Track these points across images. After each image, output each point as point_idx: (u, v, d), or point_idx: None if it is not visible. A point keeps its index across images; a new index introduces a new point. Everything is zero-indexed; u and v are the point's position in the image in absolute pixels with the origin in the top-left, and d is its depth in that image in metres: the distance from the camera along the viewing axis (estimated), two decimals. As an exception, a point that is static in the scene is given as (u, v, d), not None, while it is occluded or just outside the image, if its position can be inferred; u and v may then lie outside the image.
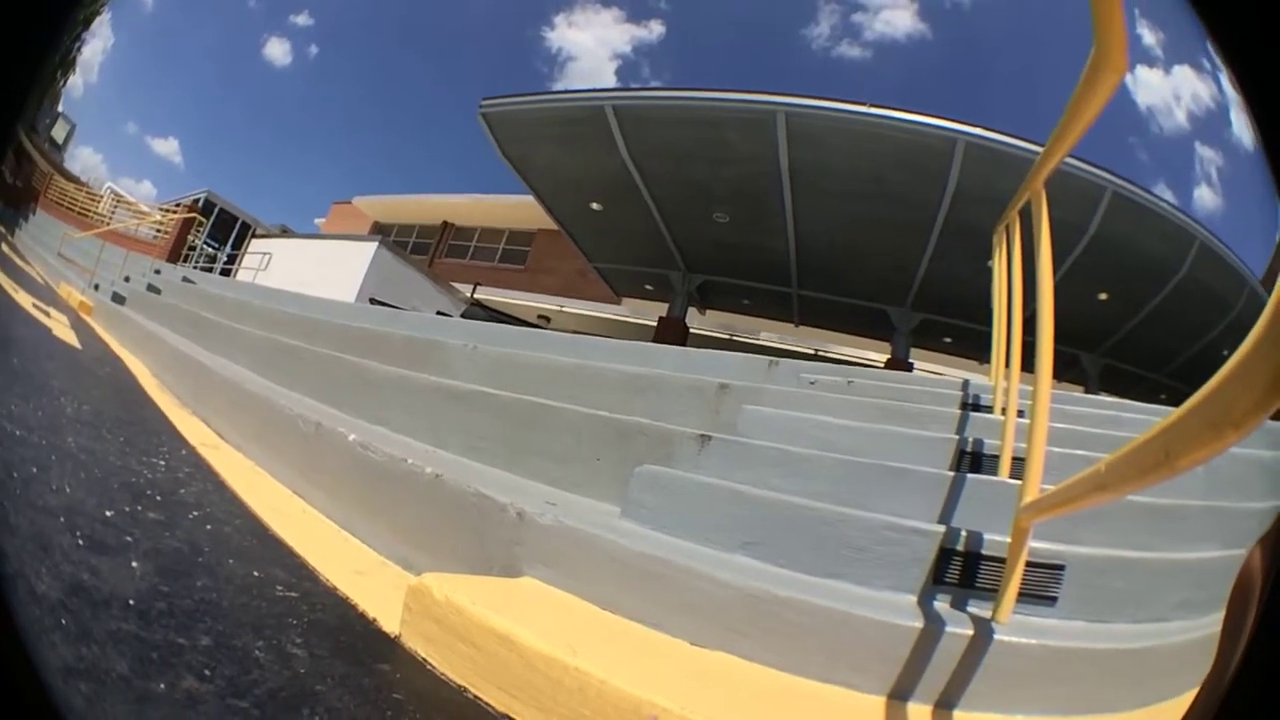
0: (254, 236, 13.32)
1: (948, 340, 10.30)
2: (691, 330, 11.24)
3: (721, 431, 2.10)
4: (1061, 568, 1.36)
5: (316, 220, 17.61)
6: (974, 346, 8.86)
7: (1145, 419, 2.49)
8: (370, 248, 10.67)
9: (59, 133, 11.48)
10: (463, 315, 10.43)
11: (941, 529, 1.43)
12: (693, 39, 16.81)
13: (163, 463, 1.91)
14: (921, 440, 2.05)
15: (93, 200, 11.56)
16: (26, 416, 1.84)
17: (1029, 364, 1.45)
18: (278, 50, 18.17)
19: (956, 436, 2.05)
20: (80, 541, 1.14)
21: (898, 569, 1.41)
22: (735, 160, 8.30)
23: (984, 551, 1.38)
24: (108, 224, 11.15)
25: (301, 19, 18.51)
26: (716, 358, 3.41)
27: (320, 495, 1.93)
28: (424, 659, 1.10)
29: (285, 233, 14.26)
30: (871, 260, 9.14)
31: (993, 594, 1.29)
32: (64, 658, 0.79)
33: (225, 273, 12.21)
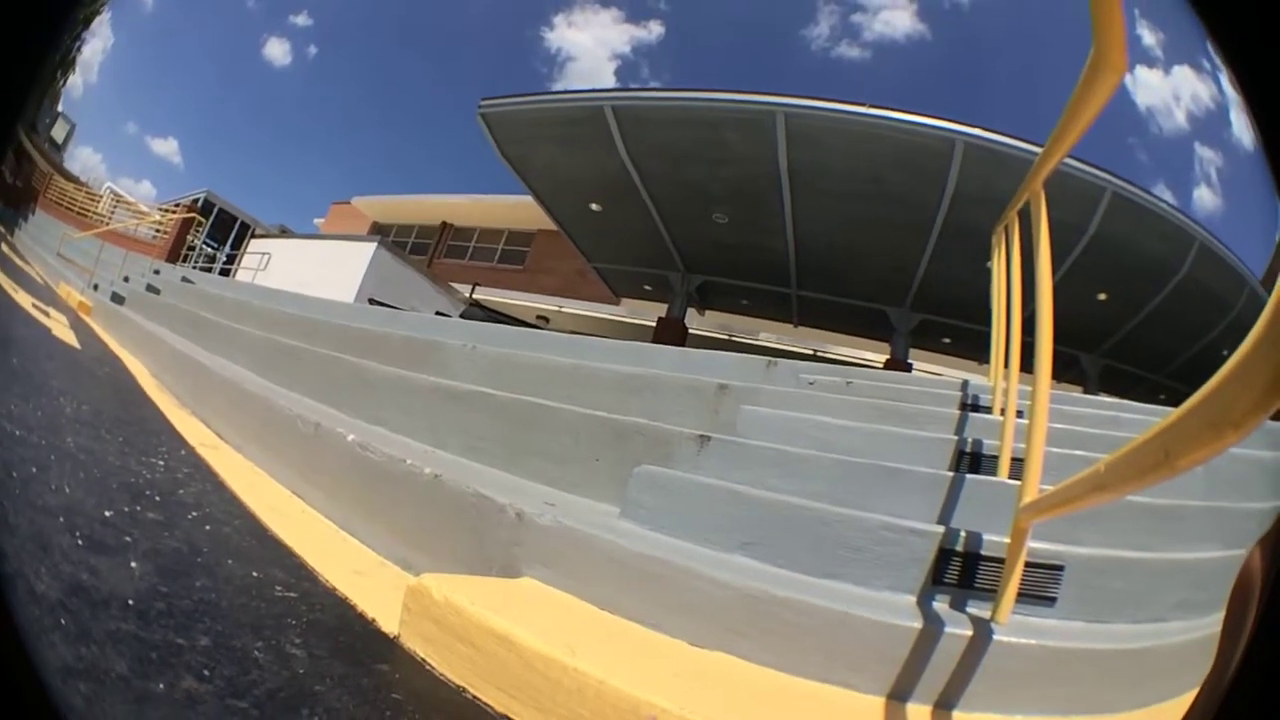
0: (253, 236, 13.34)
1: (947, 341, 10.30)
2: (690, 330, 11.23)
3: (720, 432, 2.10)
4: (1061, 568, 1.36)
5: (316, 220, 17.66)
6: (973, 347, 8.87)
7: (1145, 419, 2.49)
8: (369, 248, 10.67)
9: (59, 133, 11.50)
10: (461, 315, 10.42)
11: (940, 529, 1.43)
12: (692, 39, 16.85)
13: (162, 463, 1.91)
14: (920, 440, 2.05)
15: (92, 200, 11.58)
16: (26, 416, 1.84)
17: (1028, 364, 1.45)
18: (277, 50, 18.23)
19: (955, 437, 2.05)
20: (79, 541, 1.14)
21: (897, 569, 1.41)
22: (734, 161, 8.29)
23: (983, 552, 1.38)
24: (107, 224, 11.16)
25: (301, 19, 18.57)
26: (715, 358, 3.41)
27: (319, 495, 1.93)
28: (423, 659, 1.10)
29: (284, 233, 14.26)
30: (870, 261, 9.13)
31: (992, 594, 1.29)
32: (63, 658, 0.79)
33: (224, 273, 12.22)
